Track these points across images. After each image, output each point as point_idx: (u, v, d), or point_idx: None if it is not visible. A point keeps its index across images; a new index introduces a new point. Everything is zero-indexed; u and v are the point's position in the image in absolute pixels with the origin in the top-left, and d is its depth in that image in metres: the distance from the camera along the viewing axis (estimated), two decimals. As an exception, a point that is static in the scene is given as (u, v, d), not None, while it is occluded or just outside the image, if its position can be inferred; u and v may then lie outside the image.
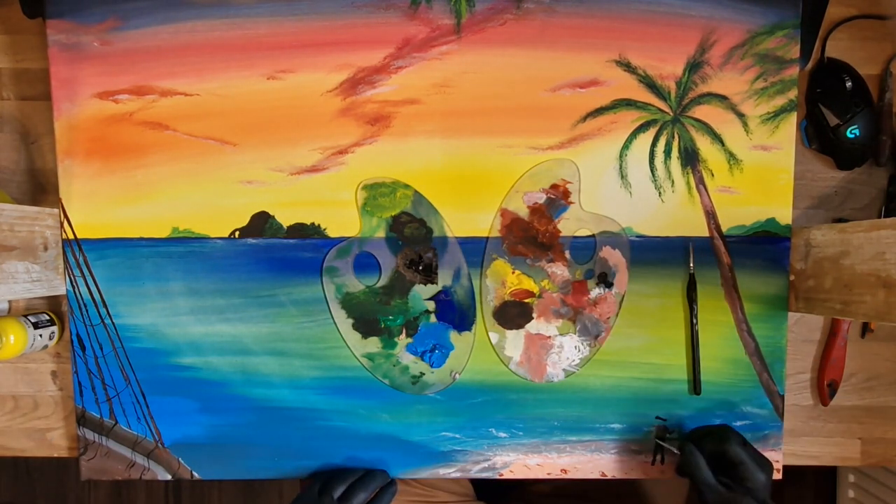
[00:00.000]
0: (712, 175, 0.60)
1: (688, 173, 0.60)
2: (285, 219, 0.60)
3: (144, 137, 0.60)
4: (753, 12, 0.58)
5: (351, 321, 0.61)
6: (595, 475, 0.63)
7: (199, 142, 0.60)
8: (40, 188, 0.63)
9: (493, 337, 0.61)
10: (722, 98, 0.59)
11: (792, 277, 0.60)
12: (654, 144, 0.60)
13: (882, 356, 0.64)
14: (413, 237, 0.61)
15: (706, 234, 0.60)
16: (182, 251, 0.61)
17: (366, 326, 0.61)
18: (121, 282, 0.61)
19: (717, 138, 0.60)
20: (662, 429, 0.62)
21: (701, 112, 0.60)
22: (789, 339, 0.62)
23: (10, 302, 0.64)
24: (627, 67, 0.59)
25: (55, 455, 0.65)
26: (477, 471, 0.63)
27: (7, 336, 0.58)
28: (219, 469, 0.63)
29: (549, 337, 0.61)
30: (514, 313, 0.61)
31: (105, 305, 0.61)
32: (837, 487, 1.26)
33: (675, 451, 0.59)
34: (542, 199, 0.60)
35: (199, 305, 0.61)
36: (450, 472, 0.63)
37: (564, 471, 0.63)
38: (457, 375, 0.62)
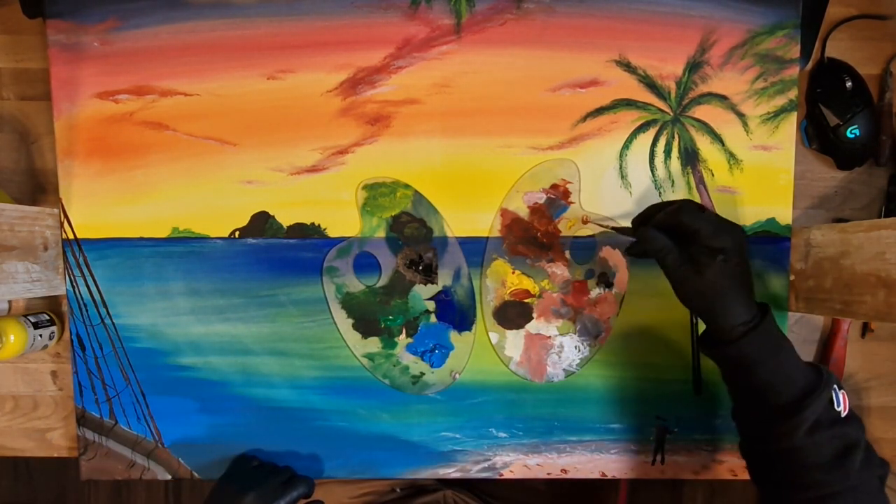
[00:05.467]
0: (712, 175, 0.60)
1: (688, 173, 0.60)
2: (285, 219, 0.60)
3: (144, 137, 0.60)
4: (753, 12, 0.58)
5: (351, 321, 0.61)
6: (595, 475, 0.63)
7: (199, 142, 0.60)
8: (40, 188, 0.63)
9: (493, 337, 0.61)
10: (722, 98, 0.59)
11: (792, 277, 0.60)
12: (654, 144, 0.60)
13: (882, 356, 0.64)
14: (413, 237, 0.61)
15: (706, 234, 0.60)
16: (182, 251, 0.61)
17: (366, 326, 0.61)
18: (121, 282, 0.61)
19: (717, 138, 0.60)
20: (662, 429, 0.62)
21: (701, 112, 0.60)
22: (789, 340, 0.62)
23: (10, 302, 0.64)
24: (627, 67, 0.59)
25: (55, 455, 0.65)
26: (477, 471, 0.63)
27: (7, 336, 0.58)
28: (219, 469, 0.63)
29: (549, 337, 0.61)
30: (514, 313, 0.61)
31: (105, 305, 0.61)
32: (837, 487, 1.25)
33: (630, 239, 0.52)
34: (542, 199, 0.60)
35: (199, 305, 0.61)
36: (450, 472, 0.63)
37: (564, 471, 0.63)
38: (457, 375, 0.62)
